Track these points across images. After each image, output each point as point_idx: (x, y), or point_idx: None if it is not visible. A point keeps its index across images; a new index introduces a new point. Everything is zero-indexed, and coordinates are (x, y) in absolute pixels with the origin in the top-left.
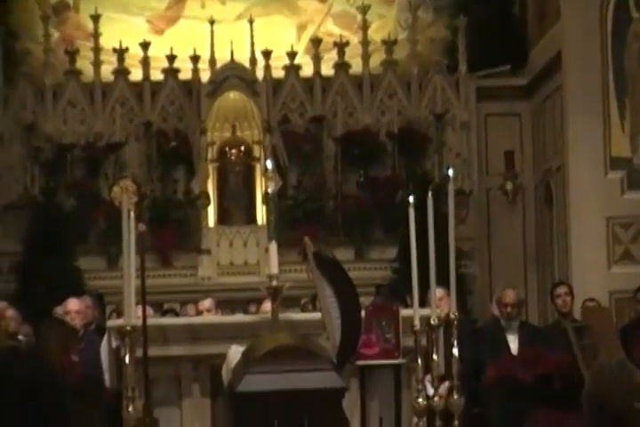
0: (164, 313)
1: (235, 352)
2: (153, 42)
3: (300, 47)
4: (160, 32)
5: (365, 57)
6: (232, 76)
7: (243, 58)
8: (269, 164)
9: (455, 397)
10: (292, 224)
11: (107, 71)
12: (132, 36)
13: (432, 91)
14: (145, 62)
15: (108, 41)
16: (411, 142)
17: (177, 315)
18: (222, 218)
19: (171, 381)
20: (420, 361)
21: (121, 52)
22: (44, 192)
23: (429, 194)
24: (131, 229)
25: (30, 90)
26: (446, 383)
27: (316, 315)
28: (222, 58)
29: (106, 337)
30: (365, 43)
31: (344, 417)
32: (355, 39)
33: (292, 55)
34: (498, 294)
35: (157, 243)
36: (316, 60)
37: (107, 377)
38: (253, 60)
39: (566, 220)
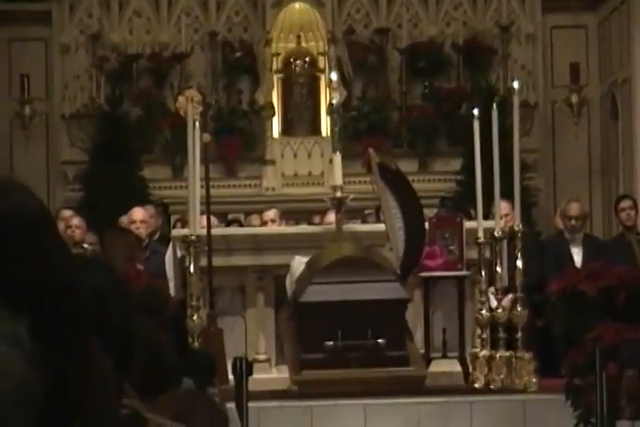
0: (229, 223)
1: (298, 263)
2: None
3: None
4: None
5: None
6: None
7: None
8: (334, 75)
9: (519, 309)
10: (356, 135)
11: None
12: None
13: (497, 2)
14: None
15: None
16: (476, 54)
17: (241, 225)
18: (286, 129)
19: (235, 291)
20: (483, 273)
21: None
22: (109, 101)
23: (494, 106)
24: (196, 139)
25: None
26: (510, 296)
27: (380, 226)
28: None
29: (170, 247)
30: None
31: (407, 328)
32: None
33: None
34: (562, 207)
35: (222, 153)
36: None
37: (171, 286)
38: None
39: (632, 133)
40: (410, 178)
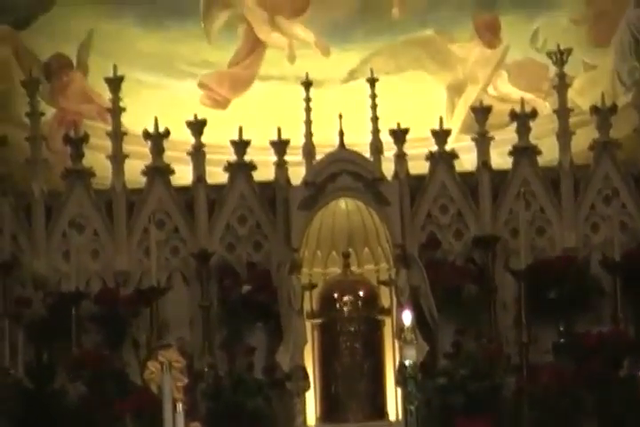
0: None
1: None
2: (210, 119)
3: (455, 122)
4: (222, 103)
5: (564, 134)
6: (342, 172)
7: (359, 142)
8: (407, 317)
9: None
10: (447, 418)
11: (134, 170)
12: (175, 111)
13: None
14: (198, 154)
15: (136, 120)
16: None
17: None
18: (329, 411)
19: None
20: None
21: (157, 138)
22: (33, 374)
23: None
24: None
25: (7, 204)
26: None
27: None
28: (324, 143)
29: None
30: (564, 111)
31: None
32: (546, 106)
33: (441, 135)
34: None
35: None
36: (482, 141)
37: None
38: (378, 146)
39: None
40: None
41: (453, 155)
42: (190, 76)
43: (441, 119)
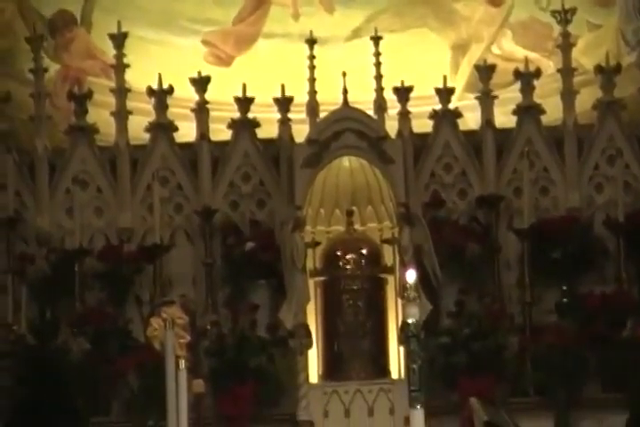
0: None
1: None
2: (214, 77)
3: (459, 80)
4: (225, 60)
5: (568, 94)
6: (346, 130)
7: (363, 100)
8: (411, 276)
9: None
10: (449, 377)
11: (138, 127)
12: (178, 68)
13: None
14: (201, 111)
15: (139, 77)
16: None
17: None
18: (332, 368)
19: None
20: None
21: (160, 95)
22: (36, 330)
23: None
24: (180, 390)
25: (11, 161)
26: None
27: None
28: (328, 101)
29: None
30: (568, 70)
31: None
32: (550, 65)
33: (445, 93)
34: None
35: (224, 410)
36: (486, 100)
37: None
38: (381, 104)
39: None
40: None
41: (457, 113)
42: (194, 33)
43: (445, 78)
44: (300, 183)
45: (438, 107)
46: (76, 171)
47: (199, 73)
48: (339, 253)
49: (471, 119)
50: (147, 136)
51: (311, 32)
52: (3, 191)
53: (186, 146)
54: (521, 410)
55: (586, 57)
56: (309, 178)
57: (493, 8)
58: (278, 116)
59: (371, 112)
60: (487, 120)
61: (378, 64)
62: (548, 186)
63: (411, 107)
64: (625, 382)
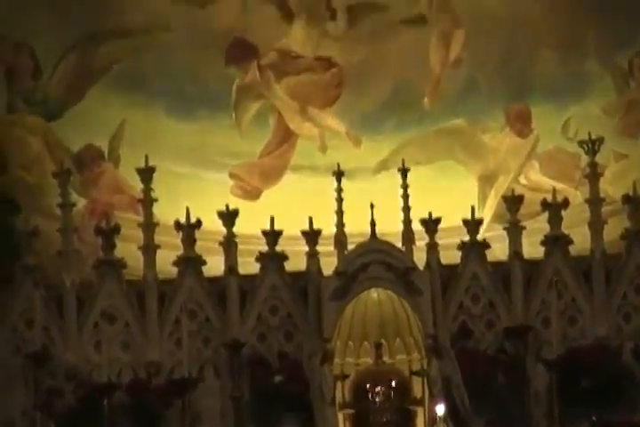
0: None
1: None
2: (242, 210)
3: (487, 212)
4: (252, 193)
5: (596, 224)
6: (374, 262)
7: (391, 231)
8: (441, 409)
9: None
10: None
11: (166, 260)
12: (206, 202)
13: None
14: (229, 244)
15: (167, 210)
16: None
17: None
18: None
19: None
20: None
21: (188, 229)
22: None
23: None
24: None
25: (39, 294)
26: None
27: None
28: (356, 232)
29: None
30: (596, 201)
31: None
32: (577, 195)
33: (473, 225)
34: None
35: None
36: (514, 231)
37: None
38: (409, 236)
39: None
40: None
41: (485, 244)
42: (221, 167)
43: (473, 208)
44: (329, 316)
45: (466, 238)
46: (104, 305)
47: (227, 206)
48: (368, 386)
49: (499, 250)
50: (175, 270)
51: (338, 165)
52: (30, 326)
53: (214, 279)
54: None
55: (613, 187)
56: (337, 310)
57: (520, 139)
58: (306, 248)
59: (399, 244)
60: (515, 251)
61: (405, 196)
62: (576, 316)
63: (438, 238)
64: None
